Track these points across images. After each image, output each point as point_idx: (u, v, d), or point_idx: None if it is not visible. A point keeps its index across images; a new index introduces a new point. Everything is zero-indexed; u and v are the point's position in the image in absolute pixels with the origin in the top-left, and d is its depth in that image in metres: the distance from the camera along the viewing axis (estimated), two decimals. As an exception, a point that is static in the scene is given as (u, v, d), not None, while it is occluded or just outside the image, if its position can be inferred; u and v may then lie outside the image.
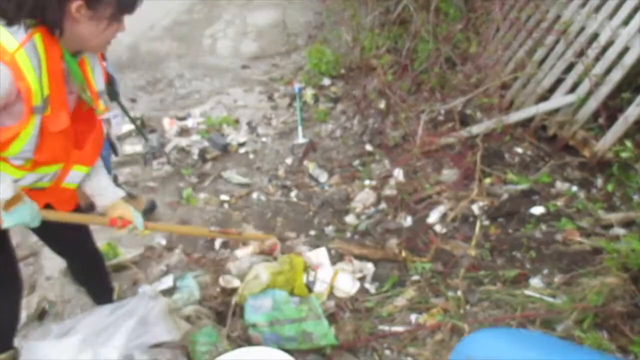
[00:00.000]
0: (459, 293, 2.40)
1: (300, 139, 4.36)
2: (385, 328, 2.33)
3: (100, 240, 3.02)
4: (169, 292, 2.73)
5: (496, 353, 1.10)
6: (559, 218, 2.71)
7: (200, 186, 3.88)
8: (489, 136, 3.38)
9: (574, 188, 2.99)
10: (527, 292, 2.31)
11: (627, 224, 2.62)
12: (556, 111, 3.40)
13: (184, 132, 4.64)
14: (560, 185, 3.00)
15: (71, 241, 2.18)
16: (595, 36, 3.35)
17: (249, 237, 2.88)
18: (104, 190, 1.94)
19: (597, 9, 3.40)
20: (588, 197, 2.91)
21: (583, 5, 3.51)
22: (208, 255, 3.06)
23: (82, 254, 2.29)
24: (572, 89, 3.35)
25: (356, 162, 3.91)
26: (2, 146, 1.53)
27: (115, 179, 3.66)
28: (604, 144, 3.04)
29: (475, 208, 2.95)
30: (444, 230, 2.88)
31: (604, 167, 3.05)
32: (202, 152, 4.23)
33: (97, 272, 2.42)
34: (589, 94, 3.22)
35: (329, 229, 3.20)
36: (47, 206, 1.88)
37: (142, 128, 4.24)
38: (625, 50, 3.12)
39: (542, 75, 3.56)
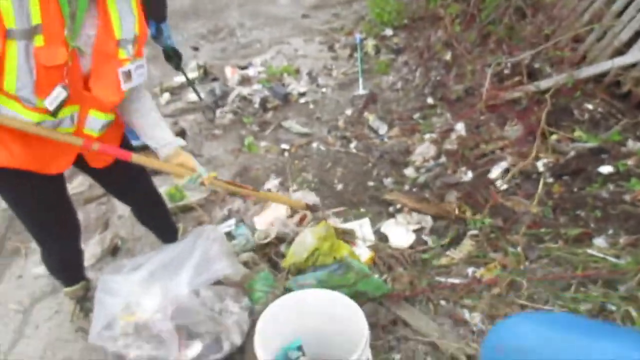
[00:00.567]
0: (519, 249, 2.38)
1: (361, 90, 4.33)
2: (442, 280, 2.35)
3: (166, 186, 3.17)
4: (228, 236, 2.84)
5: (529, 340, 1.01)
6: (629, 178, 2.61)
7: (261, 134, 3.95)
8: (558, 91, 3.24)
9: (647, 148, 2.85)
10: (590, 251, 2.27)
11: (703, 186, 2.50)
12: (632, 66, 3.20)
13: (245, 81, 4.70)
14: (632, 145, 2.87)
15: (132, 187, 2.25)
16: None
17: (272, 198, 2.85)
18: (162, 141, 1.96)
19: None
20: (662, 157, 2.78)
21: (672, -50, 3.24)
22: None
23: (144, 199, 2.36)
24: (653, 43, 3.15)
25: (417, 115, 3.86)
26: None
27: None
28: (684, 102, 2.86)
29: (539, 165, 2.88)
30: (505, 187, 2.84)
31: (682, 127, 2.89)
32: (263, 101, 4.28)
33: (160, 215, 2.51)
34: (672, 48, 3.01)
35: (388, 181, 3.21)
36: (80, 157, 1.92)
37: (195, 81, 4.29)
38: None
39: (619, 28, 3.34)
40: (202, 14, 6.54)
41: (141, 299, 2.07)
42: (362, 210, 2.96)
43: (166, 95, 4.62)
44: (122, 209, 3.27)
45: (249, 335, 2.13)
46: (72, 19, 1.51)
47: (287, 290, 2.24)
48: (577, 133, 3.00)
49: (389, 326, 2.15)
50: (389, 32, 5.10)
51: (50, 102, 1.57)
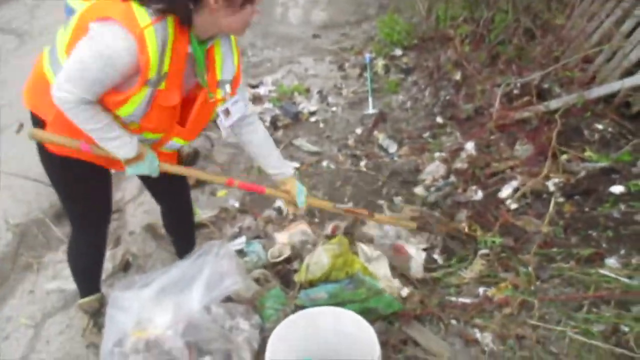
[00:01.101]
0: (530, 269, 2.37)
1: (371, 110, 4.36)
2: (453, 299, 2.34)
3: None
4: (240, 253, 2.85)
5: None
6: (640, 198, 2.61)
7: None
8: (568, 112, 3.25)
9: (658, 168, 2.84)
10: (602, 271, 2.25)
11: None
12: (643, 87, 3.21)
13: (256, 99, 4.74)
14: (643, 165, 2.87)
15: (173, 191, 2.37)
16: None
17: (386, 221, 2.85)
18: (277, 167, 2.20)
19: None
20: (673, 178, 2.77)
21: (681, -27, 3.27)
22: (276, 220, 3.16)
23: (178, 203, 2.45)
24: (663, 64, 3.16)
25: (426, 134, 3.88)
26: (114, 105, 1.68)
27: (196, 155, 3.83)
28: (695, 122, 2.86)
29: (550, 185, 2.87)
30: (516, 206, 2.83)
31: (693, 148, 2.88)
32: (274, 120, 4.32)
33: (187, 223, 2.59)
34: (682, 69, 3.02)
35: (398, 199, 3.22)
36: None
37: None
38: None
39: (629, 48, 3.36)
40: (214, 34, 6.64)
41: (152, 316, 2.07)
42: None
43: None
44: (134, 225, 3.30)
45: (259, 353, 2.13)
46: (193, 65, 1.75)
47: (298, 307, 2.24)
48: (588, 153, 3.00)
49: (399, 345, 2.13)
50: (398, 51, 5.15)
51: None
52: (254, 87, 4.97)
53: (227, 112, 1.92)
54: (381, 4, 6.53)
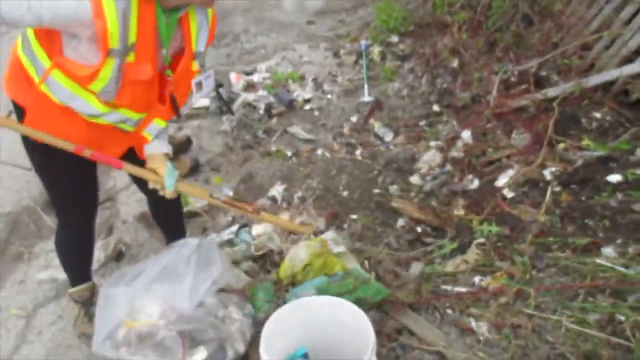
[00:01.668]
0: (526, 258, 2.37)
1: (366, 97, 4.34)
2: (448, 288, 2.35)
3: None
4: (230, 243, 2.85)
5: None
6: (638, 187, 2.61)
7: (266, 140, 3.96)
8: (566, 100, 3.25)
9: (656, 157, 2.85)
10: (599, 260, 2.26)
11: None
12: (641, 75, 3.21)
13: (250, 87, 4.72)
14: (641, 154, 2.87)
15: None
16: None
17: (274, 221, 2.69)
18: (156, 142, 2.05)
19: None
20: (671, 166, 2.78)
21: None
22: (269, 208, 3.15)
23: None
24: (662, 51, 3.16)
25: (423, 122, 3.87)
26: (85, 80, 1.64)
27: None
28: (693, 111, 2.86)
29: (546, 173, 2.88)
30: (512, 195, 2.84)
31: (691, 136, 2.89)
32: (268, 107, 4.30)
33: (176, 214, 2.58)
34: (680, 56, 3.02)
35: (393, 188, 3.22)
36: (131, 149, 2.06)
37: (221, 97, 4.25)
38: None
39: (628, 36, 3.35)
40: (207, 20, 6.58)
41: (144, 306, 2.07)
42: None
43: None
44: (126, 214, 3.29)
45: (252, 343, 2.13)
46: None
47: (285, 302, 2.24)
48: (585, 141, 3.01)
49: (394, 335, 2.14)
50: (394, 38, 5.12)
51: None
52: (247, 74, 4.94)
53: (200, 86, 1.89)
54: (377, -10, 6.49)
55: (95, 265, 2.83)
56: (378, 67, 4.78)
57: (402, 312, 2.21)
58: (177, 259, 2.13)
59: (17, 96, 1.82)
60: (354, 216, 3.00)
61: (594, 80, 3.31)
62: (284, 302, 2.20)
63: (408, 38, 5.07)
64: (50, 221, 3.21)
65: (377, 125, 3.90)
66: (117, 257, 2.95)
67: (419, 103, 4.13)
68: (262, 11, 6.50)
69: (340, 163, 3.60)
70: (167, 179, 2.03)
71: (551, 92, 3.36)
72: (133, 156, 2.09)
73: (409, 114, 4.04)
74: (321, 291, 2.12)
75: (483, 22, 4.02)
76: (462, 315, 2.20)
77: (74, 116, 1.80)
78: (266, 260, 2.65)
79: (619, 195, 2.62)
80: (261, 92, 4.56)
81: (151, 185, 2.07)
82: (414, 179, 3.25)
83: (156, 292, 2.10)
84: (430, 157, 3.37)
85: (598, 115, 3.20)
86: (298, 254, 2.34)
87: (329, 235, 2.59)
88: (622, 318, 1.98)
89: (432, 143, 3.54)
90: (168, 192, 2.06)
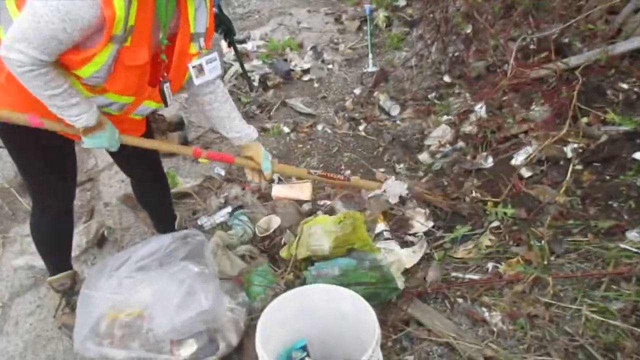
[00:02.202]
0: (544, 243, 2.38)
1: (371, 67, 4.32)
2: (459, 275, 2.36)
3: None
4: (226, 225, 2.86)
5: None
6: (667, 166, 2.61)
7: (261, 116, 3.95)
8: (590, 69, 3.22)
9: (688, 132, 2.84)
10: (623, 245, 2.26)
11: None
12: (673, 41, 3.18)
13: (243, 56, 4.68)
14: (671, 128, 2.86)
15: (141, 161, 2.34)
16: None
17: (359, 185, 2.82)
18: (239, 130, 2.17)
19: None
20: (703, 142, 2.76)
21: None
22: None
23: (150, 175, 2.46)
24: (696, 16, 3.12)
25: (432, 95, 3.85)
26: (75, 65, 1.63)
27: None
28: None
29: (567, 150, 2.87)
30: (530, 174, 2.83)
31: None
32: (264, 79, 4.28)
33: (163, 195, 2.60)
34: None
35: (400, 167, 3.21)
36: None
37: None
38: None
39: (659, -1, 3.32)
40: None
41: (129, 296, 2.08)
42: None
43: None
44: (109, 196, 3.29)
45: (246, 334, 2.15)
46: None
47: (288, 285, 2.26)
48: (610, 115, 2.99)
49: (401, 325, 2.16)
50: (402, 2, 5.07)
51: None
52: (240, 42, 4.91)
53: (200, 69, 1.88)
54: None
55: (75, 251, 2.84)
56: (384, 33, 4.75)
57: (410, 302, 2.22)
58: (171, 283, 2.11)
59: None
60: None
61: (621, 47, 3.28)
62: (287, 286, 2.22)
63: (416, 2, 5.02)
64: (26, 203, 3.21)
65: (382, 98, 3.88)
66: (100, 242, 2.96)
67: (428, 74, 4.10)
68: (256, -28, 6.42)
69: (343, 139, 3.59)
70: (264, 163, 2.20)
71: (574, 60, 3.33)
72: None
73: (417, 85, 4.02)
74: (343, 274, 2.18)
75: (499, -17, 3.96)
76: (474, 304, 2.21)
77: None
78: (271, 244, 2.67)
79: (646, 174, 2.61)
80: (255, 62, 4.54)
81: (249, 175, 2.26)
82: (423, 157, 3.24)
83: (142, 279, 2.12)
84: (440, 133, 3.36)
85: (625, 86, 3.18)
86: (321, 243, 2.37)
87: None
88: (648, 307, 1.99)
89: (443, 117, 3.53)
90: (267, 175, 2.24)
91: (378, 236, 2.58)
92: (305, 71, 4.44)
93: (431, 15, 4.49)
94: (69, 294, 2.45)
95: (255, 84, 4.25)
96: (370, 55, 4.42)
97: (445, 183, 2.95)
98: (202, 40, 1.83)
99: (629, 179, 2.60)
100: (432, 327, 2.12)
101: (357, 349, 1.66)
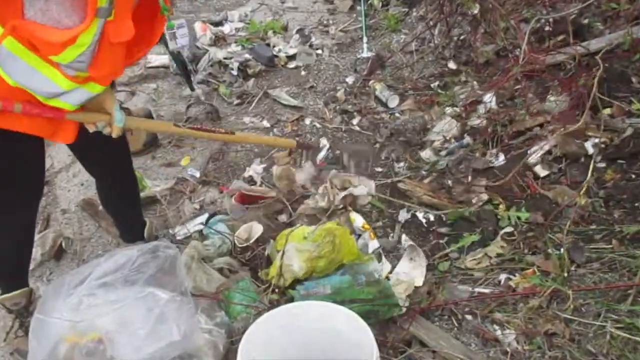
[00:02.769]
0: (563, 251, 2.39)
1: (365, 53, 4.33)
2: (467, 289, 2.37)
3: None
4: (201, 234, 2.85)
5: None
6: (700, 163, 2.64)
7: (240, 109, 3.94)
8: (612, 54, 3.25)
9: None
10: (652, 253, 2.29)
11: None
12: None
13: (220, 40, 4.68)
14: None
15: (111, 158, 2.32)
16: None
17: (251, 140, 2.76)
18: None
19: None
20: None
21: None
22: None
23: (117, 174, 2.42)
24: None
25: (435, 84, 3.87)
26: (54, 48, 1.57)
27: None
28: None
29: (588, 146, 2.89)
30: (546, 173, 2.85)
31: None
32: (243, 66, 4.27)
33: (131, 198, 2.57)
34: None
35: (400, 166, 3.22)
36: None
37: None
38: None
39: (690, -27, 3.35)
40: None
41: (89, 318, 2.07)
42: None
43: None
44: (67, 202, 3.27)
45: (226, 359, 2.14)
46: None
47: (273, 303, 2.25)
48: (636, 106, 3.01)
49: (402, 346, 2.16)
50: (400, -23, 5.09)
51: None
52: (216, 24, 4.90)
53: (171, 36, 1.87)
54: None
55: (30, 265, 2.82)
56: (380, 14, 4.76)
57: (412, 319, 2.22)
58: (138, 309, 2.10)
59: None
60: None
61: (648, 29, 3.31)
62: (271, 304, 2.22)
63: (417, -23, 5.04)
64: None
65: (378, 88, 3.88)
66: (57, 255, 2.93)
67: (430, 59, 4.12)
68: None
69: (334, 135, 3.59)
70: (116, 113, 1.92)
71: (594, 44, 3.35)
72: (89, 140, 2.01)
73: (418, 73, 4.03)
74: (336, 292, 2.18)
75: (510, -43, 3.99)
76: (485, 321, 2.22)
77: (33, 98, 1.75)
78: (251, 256, 2.65)
79: (677, 173, 2.64)
80: (233, 47, 4.53)
81: (99, 126, 1.94)
82: (425, 154, 3.26)
83: (107, 296, 2.10)
84: (445, 127, 3.37)
85: (652, 73, 3.21)
86: (291, 266, 2.37)
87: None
88: (680, 323, 2.01)
89: (448, 109, 3.54)
90: (116, 129, 1.94)
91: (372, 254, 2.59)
92: (291, 57, 4.44)
93: (433, -7, 4.51)
94: (24, 314, 2.42)
95: (234, 72, 4.24)
96: (365, 39, 4.42)
97: (451, 184, 2.97)
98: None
99: (657, 177, 2.63)
100: (437, 348, 2.12)
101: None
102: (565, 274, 2.30)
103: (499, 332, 2.16)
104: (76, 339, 1.98)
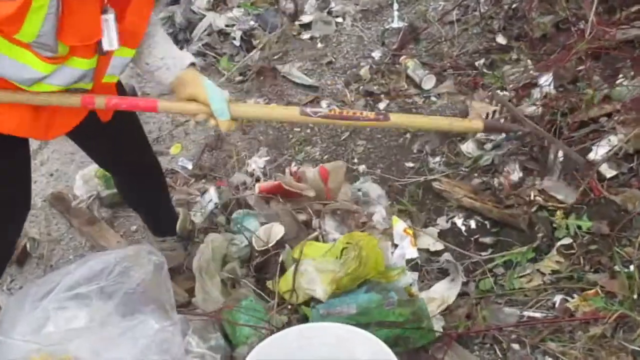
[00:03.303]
0: (632, 268, 2.39)
1: (396, 22, 4.32)
2: (515, 312, 2.37)
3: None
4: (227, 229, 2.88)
5: None
6: None
7: (243, 87, 3.96)
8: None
9: None
10: None
11: None
12: None
13: (219, 4, 4.68)
14: None
15: (130, 144, 2.36)
16: None
17: (417, 124, 2.56)
18: (162, 56, 1.93)
19: None
20: None
21: None
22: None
23: (134, 164, 2.45)
24: None
25: (480, 62, 3.86)
26: (9, 23, 1.54)
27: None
28: None
29: (665, 141, 2.89)
30: (614, 173, 2.84)
31: None
32: (248, 36, 4.27)
33: (156, 188, 2.63)
34: None
35: (435, 161, 3.22)
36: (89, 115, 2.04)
37: None
38: None
39: None
40: None
41: (61, 336, 2.08)
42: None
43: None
44: (32, 196, 3.29)
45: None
46: None
47: (285, 323, 2.27)
48: None
49: (435, 380, 2.18)
50: None
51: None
52: (216, -16, 4.91)
53: None
54: None
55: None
56: (414, -26, 4.75)
57: (447, 347, 2.23)
58: (122, 338, 2.12)
59: None
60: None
61: None
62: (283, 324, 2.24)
63: None
64: None
65: (411, 65, 3.88)
66: (20, 259, 2.96)
67: (475, 32, 4.11)
68: None
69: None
70: (214, 103, 1.86)
71: (677, 17, 3.34)
72: (92, 124, 2.05)
73: (459, 48, 4.03)
74: (362, 313, 2.18)
75: None
76: (536, 352, 2.22)
77: None
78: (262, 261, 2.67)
79: None
80: (235, 12, 4.53)
81: (199, 118, 1.92)
82: (467, 148, 3.25)
83: (80, 312, 2.12)
84: (491, 115, 3.37)
85: None
86: (315, 290, 2.37)
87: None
88: None
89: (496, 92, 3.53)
90: (224, 124, 1.90)
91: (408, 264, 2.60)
92: (305, 26, 4.44)
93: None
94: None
95: (237, 43, 4.25)
96: (396, 6, 4.42)
97: (497, 184, 2.97)
98: None
99: None
100: (477, 383, 2.14)
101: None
102: (635, 297, 2.30)
103: (552, 365, 2.17)
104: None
